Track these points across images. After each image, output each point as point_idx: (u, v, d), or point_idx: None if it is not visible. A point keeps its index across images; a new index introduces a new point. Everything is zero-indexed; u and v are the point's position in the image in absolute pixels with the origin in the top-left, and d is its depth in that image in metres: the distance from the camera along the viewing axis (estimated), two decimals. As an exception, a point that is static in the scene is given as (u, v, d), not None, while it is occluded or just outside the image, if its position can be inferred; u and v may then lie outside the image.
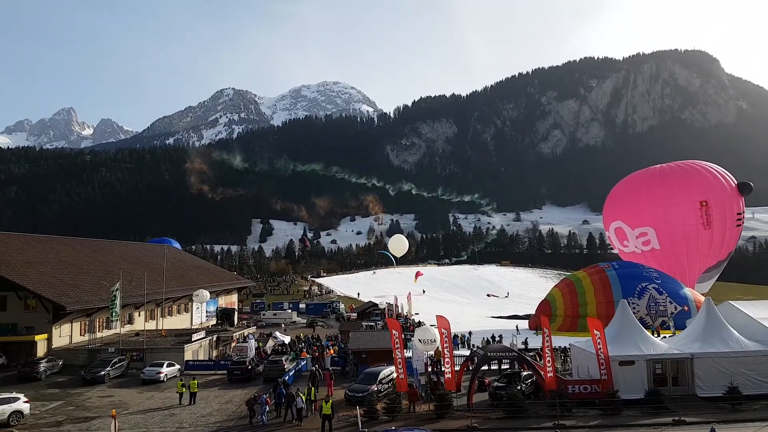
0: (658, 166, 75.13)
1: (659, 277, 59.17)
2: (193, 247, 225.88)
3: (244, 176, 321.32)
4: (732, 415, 26.82)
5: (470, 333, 62.40)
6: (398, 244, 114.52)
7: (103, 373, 38.08)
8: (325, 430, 26.35)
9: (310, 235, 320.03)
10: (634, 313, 36.90)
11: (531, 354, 41.87)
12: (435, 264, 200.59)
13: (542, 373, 30.89)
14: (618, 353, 30.30)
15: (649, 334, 33.80)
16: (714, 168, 71.06)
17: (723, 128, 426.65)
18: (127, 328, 51.51)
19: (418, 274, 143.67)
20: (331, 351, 48.19)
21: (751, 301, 40.46)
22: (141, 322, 54.08)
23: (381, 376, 32.88)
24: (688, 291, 59.41)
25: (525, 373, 32.27)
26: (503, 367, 36.80)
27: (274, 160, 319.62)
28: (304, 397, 29.17)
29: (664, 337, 40.25)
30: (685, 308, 55.52)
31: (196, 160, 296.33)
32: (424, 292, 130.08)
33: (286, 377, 36.27)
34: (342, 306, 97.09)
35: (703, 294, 60.56)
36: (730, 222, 67.59)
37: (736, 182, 69.21)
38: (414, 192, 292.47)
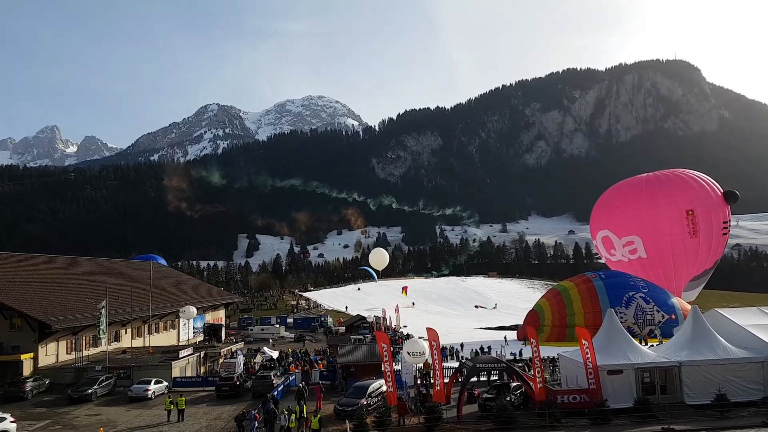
0: (645, 175, 75.58)
1: (646, 287, 59.69)
2: (180, 263, 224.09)
3: (227, 192, 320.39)
4: (720, 422, 27.03)
5: (462, 345, 62.68)
6: (379, 258, 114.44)
7: (90, 391, 37.56)
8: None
9: (297, 249, 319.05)
10: (621, 322, 37.21)
11: (520, 365, 42.00)
12: (421, 277, 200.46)
13: (531, 383, 31.00)
14: (606, 362, 30.50)
15: (636, 342, 34.07)
16: (700, 177, 71.68)
17: (706, 136, 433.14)
18: (114, 345, 50.93)
19: (405, 289, 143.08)
20: (321, 365, 47.99)
21: (737, 308, 40.88)
22: (128, 340, 53.49)
23: (370, 389, 32.82)
24: (675, 300, 59.94)
25: (514, 384, 32.36)
26: (492, 378, 36.86)
27: (260, 175, 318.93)
28: (295, 416, 28.60)
29: (652, 345, 40.54)
30: (673, 317, 55.99)
31: (174, 178, 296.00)
32: (413, 304, 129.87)
33: (275, 392, 36.02)
34: (330, 320, 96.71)
35: (689, 302, 61.08)
36: (716, 231, 68.17)
37: (722, 191, 69.82)
38: (394, 206, 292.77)
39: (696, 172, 73.61)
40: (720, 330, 32.55)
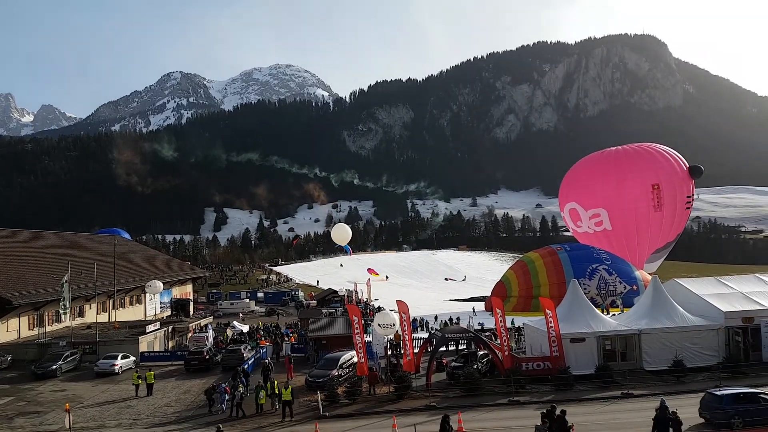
0: (614, 148, 76.52)
1: (609, 259, 60.87)
2: (144, 237, 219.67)
3: (186, 165, 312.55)
4: (677, 386, 28.11)
5: (436, 317, 63.75)
6: (341, 233, 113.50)
7: (54, 367, 37.02)
8: (285, 416, 26.43)
9: (266, 223, 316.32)
10: (585, 293, 38.06)
11: (486, 334, 42.90)
12: (392, 251, 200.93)
13: (498, 352, 31.73)
14: (569, 331, 31.30)
15: (599, 312, 35.03)
16: (667, 151, 72.77)
17: (670, 111, 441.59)
18: (78, 321, 50.07)
19: (371, 270, 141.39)
20: (292, 338, 48.16)
21: (695, 278, 42.31)
22: (92, 315, 52.67)
23: (341, 361, 33.13)
24: (637, 272, 61.46)
25: (481, 353, 33.07)
26: (460, 347, 37.59)
27: (218, 148, 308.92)
28: (265, 392, 28.10)
29: (614, 314, 41.69)
30: (634, 287, 57.30)
31: (125, 151, 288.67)
32: (387, 278, 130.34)
33: (246, 366, 36.07)
34: (301, 294, 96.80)
35: (651, 273, 62.78)
36: (680, 205, 69.66)
37: (687, 165, 71.30)
38: (356, 182, 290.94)
39: (663, 147, 74.76)
40: (679, 299, 33.63)
